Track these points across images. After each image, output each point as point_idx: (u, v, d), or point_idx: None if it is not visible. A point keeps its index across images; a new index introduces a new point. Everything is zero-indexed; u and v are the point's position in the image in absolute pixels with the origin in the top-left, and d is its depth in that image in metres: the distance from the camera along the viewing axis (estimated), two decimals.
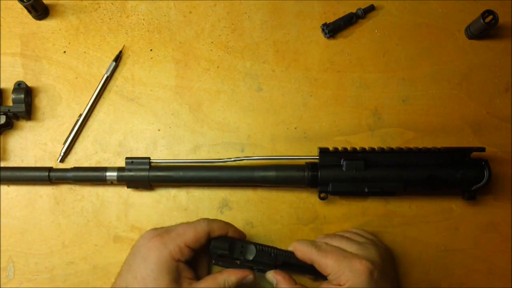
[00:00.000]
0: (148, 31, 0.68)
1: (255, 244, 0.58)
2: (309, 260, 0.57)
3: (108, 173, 0.62)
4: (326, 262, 0.56)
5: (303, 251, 0.57)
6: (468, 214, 0.65)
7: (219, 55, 0.68)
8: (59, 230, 0.64)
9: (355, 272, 0.54)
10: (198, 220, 0.57)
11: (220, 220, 0.58)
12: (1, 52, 0.67)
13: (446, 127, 0.67)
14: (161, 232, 0.56)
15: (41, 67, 0.67)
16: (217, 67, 0.68)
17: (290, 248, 0.58)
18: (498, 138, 0.67)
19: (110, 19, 0.69)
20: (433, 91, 0.68)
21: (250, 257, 0.57)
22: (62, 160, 0.65)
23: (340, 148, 0.62)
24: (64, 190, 0.65)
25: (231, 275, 0.55)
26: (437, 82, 0.68)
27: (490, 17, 0.65)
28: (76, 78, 0.67)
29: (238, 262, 0.57)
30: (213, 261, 0.57)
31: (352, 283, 0.54)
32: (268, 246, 0.58)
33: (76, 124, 0.65)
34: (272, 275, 0.57)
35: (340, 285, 0.55)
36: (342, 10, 0.69)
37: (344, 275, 0.54)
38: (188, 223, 0.57)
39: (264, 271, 0.57)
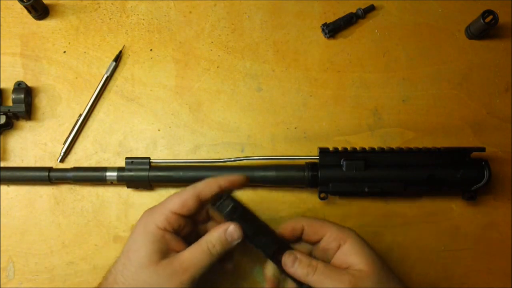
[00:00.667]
0: (148, 31, 0.68)
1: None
2: (300, 227, 0.54)
3: (108, 173, 0.62)
4: (320, 223, 0.54)
5: (291, 224, 0.55)
6: (468, 214, 0.65)
7: (219, 55, 0.68)
8: (59, 230, 0.64)
9: (350, 231, 0.54)
10: (188, 186, 0.54)
11: (209, 179, 0.53)
12: (1, 52, 0.67)
13: (446, 127, 0.67)
14: (152, 206, 0.54)
15: (41, 67, 0.67)
16: (217, 67, 0.68)
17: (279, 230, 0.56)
18: (498, 138, 0.67)
19: (110, 19, 0.69)
20: (433, 91, 0.68)
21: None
22: (62, 160, 0.65)
23: (340, 148, 0.62)
24: (64, 190, 0.65)
25: (212, 233, 0.51)
26: (437, 82, 0.68)
27: (490, 17, 0.65)
28: (76, 78, 0.67)
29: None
30: (226, 213, 0.52)
31: (354, 240, 0.52)
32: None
33: (76, 124, 0.65)
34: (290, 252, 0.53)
35: (340, 244, 0.53)
36: (342, 10, 0.69)
37: (343, 232, 0.53)
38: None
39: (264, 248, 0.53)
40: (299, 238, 0.56)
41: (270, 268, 0.56)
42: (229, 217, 0.52)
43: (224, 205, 0.52)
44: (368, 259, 0.52)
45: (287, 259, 0.53)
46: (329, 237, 0.53)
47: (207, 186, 0.53)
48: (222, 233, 0.51)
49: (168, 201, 0.53)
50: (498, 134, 0.67)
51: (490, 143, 0.66)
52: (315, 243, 0.56)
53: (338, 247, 0.53)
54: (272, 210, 0.65)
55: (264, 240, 0.53)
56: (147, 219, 0.52)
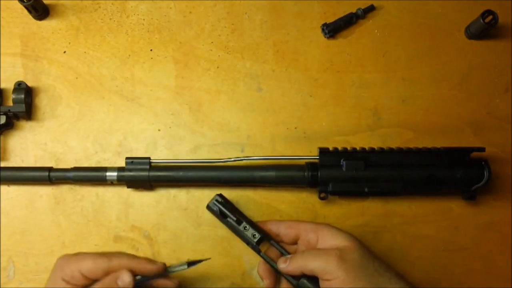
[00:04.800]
0: (148, 31, 0.68)
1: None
2: (276, 227, 0.60)
3: (108, 173, 0.62)
4: (293, 220, 0.61)
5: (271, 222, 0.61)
6: (468, 214, 0.66)
7: (219, 55, 0.68)
8: (59, 230, 0.64)
9: (323, 223, 0.59)
10: (104, 253, 0.56)
11: (127, 258, 0.55)
12: (1, 52, 0.67)
13: (446, 127, 0.67)
14: (67, 254, 0.56)
15: (41, 67, 0.67)
16: (217, 67, 0.68)
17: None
18: (498, 138, 0.67)
19: (110, 19, 0.69)
20: (433, 91, 0.68)
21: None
22: None
23: (340, 148, 0.62)
24: (64, 190, 0.65)
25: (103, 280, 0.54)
26: (437, 82, 0.68)
27: (490, 17, 0.65)
28: (76, 78, 0.67)
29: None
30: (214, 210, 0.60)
31: (329, 226, 0.57)
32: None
33: None
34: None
35: (318, 234, 0.57)
36: (342, 10, 0.69)
37: (318, 224, 0.58)
38: (96, 253, 0.56)
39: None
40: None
41: (262, 266, 0.60)
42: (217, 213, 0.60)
43: (213, 204, 0.61)
44: (348, 238, 0.56)
45: (281, 263, 0.57)
46: (306, 230, 0.58)
47: (120, 267, 0.54)
48: (113, 279, 0.54)
49: (81, 259, 0.55)
50: (498, 134, 0.67)
51: (490, 143, 0.66)
52: (293, 242, 0.60)
53: (317, 237, 0.57)
54: (272, 210, 0.65)
55: (249, 231, 0.59)
56: (56, 270, 0.55)
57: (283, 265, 0.56)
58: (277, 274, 0.60)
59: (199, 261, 0.57)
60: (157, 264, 0.56)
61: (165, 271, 0.56)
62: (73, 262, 0.54)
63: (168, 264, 0.57)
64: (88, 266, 0.54)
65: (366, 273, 0.52)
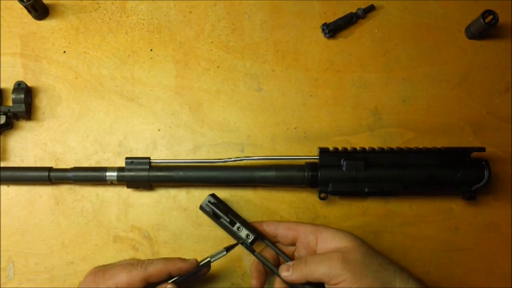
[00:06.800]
0: (148, 31, 0.68)
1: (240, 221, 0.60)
2: (274, 228, 0.60)
3: (108, 173, 0.62)
4: (293, 222, 0.60)
5: (269, 223, 0.60)
6: (468, 214, 0.65)
7: (219, 55, 0.68)
8: (59, 230, 0.64)
9: (322, 225, 0.59)
10: (137, 263, 0.56)
11: (161, 262, 0.56)
12: (1, 52, 0.67)
13: (446, 127, 0.67)
14: (98, 269, 0.56)
15: (41, 67, 0.67)
16: (217, 67, 0.68)
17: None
18: (498, 138, 0.67)
19: (110, 19, 0.69)
20: (433, 91, 0.68)
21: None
22: None
23: (340, 148, 0.62)
24: (64, 190, 0.65)
25: None
26: (437, 82, 0.68)
27: (490, 17, 0.65)
28: (76, 78, 0.67)
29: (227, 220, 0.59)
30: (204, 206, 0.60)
31: (328, 228, 0.57)
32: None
33: None
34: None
35: (317, 236, 0.56)
36: (342, 10, 0.69)
37: (316, 226, 0.58)
38: (126, 263, 0.56)
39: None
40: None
41: (255, 265, 0.60)
42: (211, 213, 0.60)
43: (206, 205, 0.60)
44: (348, 237, 0.55)
45: (283, 271, 0.56)
46: (305, 233, 0.57)
47: (158, 273, 0.55)
48: None
49: (116, 274, 0.54)
50: (498, 134, 0.67)
51: (490, 143, 0.66)
52: (291, 244, 0.59)
53: (317, 240, 0.56)
54: (272, 210, 0.65)
55: (243, 231, 0.58)
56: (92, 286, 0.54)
57: (286, 273, 0.56)
58: (268, 276, 0.60)
59: (235, 244, 0.58)
60: (190, 261, 0.57)
61: (206, 262, 0.58)
62: (108, 278, 0.54)
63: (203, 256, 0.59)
64: (125, 279, 0.54)
65: (371, 269, 0.53)
